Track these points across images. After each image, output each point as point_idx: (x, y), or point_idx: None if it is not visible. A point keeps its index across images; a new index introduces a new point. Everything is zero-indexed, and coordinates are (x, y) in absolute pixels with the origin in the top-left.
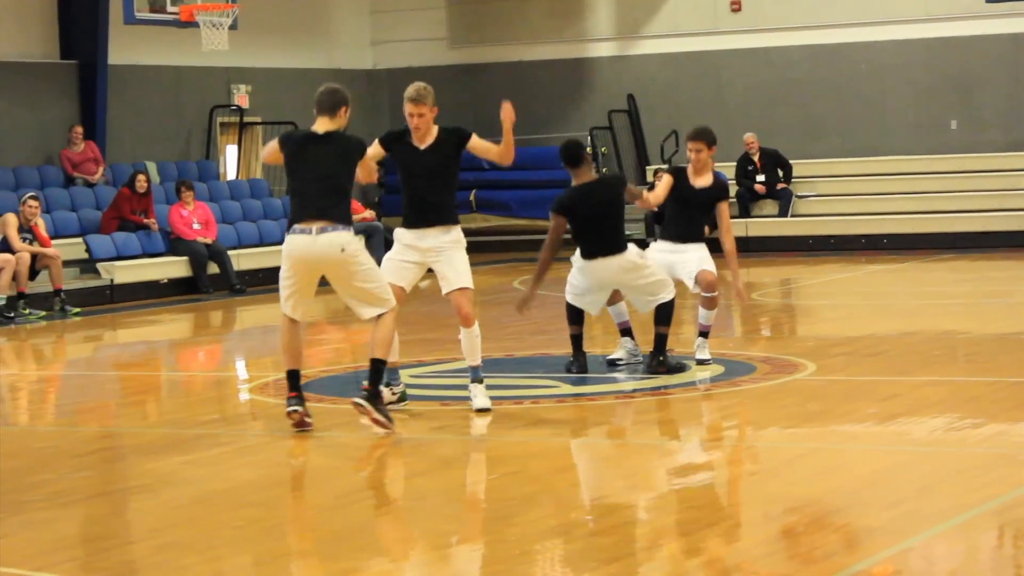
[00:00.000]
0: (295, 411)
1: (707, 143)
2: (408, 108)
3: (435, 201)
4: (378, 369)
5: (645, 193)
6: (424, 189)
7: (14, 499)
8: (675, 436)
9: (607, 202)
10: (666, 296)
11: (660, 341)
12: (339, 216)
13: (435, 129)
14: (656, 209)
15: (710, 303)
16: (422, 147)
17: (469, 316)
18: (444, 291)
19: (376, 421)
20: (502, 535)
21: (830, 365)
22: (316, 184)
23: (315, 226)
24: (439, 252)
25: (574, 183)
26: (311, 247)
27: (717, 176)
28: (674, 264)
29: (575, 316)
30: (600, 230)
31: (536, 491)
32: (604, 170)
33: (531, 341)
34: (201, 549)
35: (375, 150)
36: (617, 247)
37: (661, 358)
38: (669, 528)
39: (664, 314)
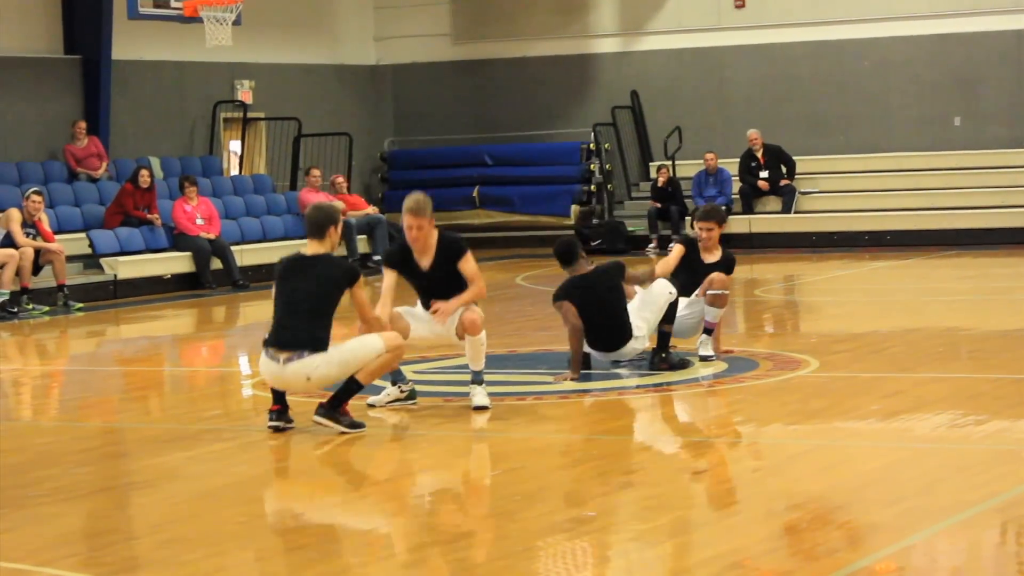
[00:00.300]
0: (274, 427)
1: (718, 223)
2: (407, 220)
3: (448, 296)
4: (350, 389)
5: (646, 280)
6: (435, 293)
7: (17, 494)
8: (678, 432)
9: (607, 288)
10: (668, 299)
11: (663, 338)
12: (310, 342)
13: (433, 241)
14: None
15: (718, 300)
16: (425, 268)
17: (475, 323)
18: (455, 325)
19: (344, 433)
20: (504, 531)
21: (833, 362)
22: (289, 310)
23: (283, 356)
24: (452, 323)
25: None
26: (279, 374)
27: (725, 252)
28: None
29: None
30: (603, 318)
31: (538, 487)
32: (597, 265)
33: (533, 337)
34: (204, 544)
35: (391, 279)
36: (623, 339)
37: (664, 355)
38: (671, 524)
39: (668, 313)
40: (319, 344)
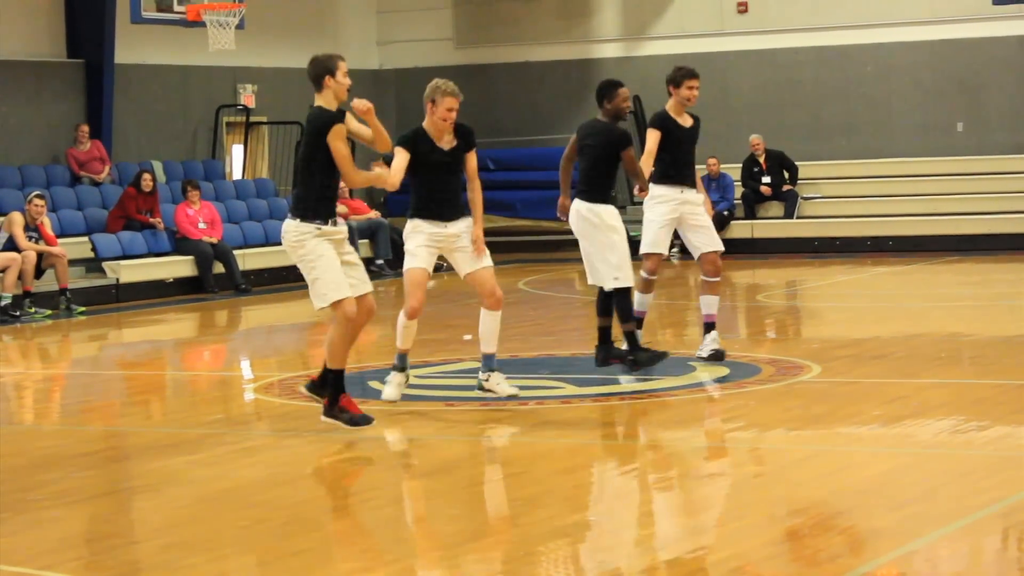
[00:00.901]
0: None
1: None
2: (450, 103)
3: (455, 192)
4: (332, 382)
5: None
6: (447, 183)
7: (19, 498)
8: (680, 438)
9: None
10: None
11: (629, 338)
12: (293, 203)
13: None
14: None
15: (714, 288)
16: (445, 147)
17: (500, 298)
18: (469, 270)
19: (350, 428)
20: (507, 536)
21: (835, 367)
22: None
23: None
24: (460, 238)
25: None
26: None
27: (692, 115)
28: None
29: (605, 308)
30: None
31: (541, 492)
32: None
33: (536, 342)
34: (206, 549)
35: (402, 159)
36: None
37: (633, 355)
38: (673, 529)
39: (623, 310)
40: (298, 205)
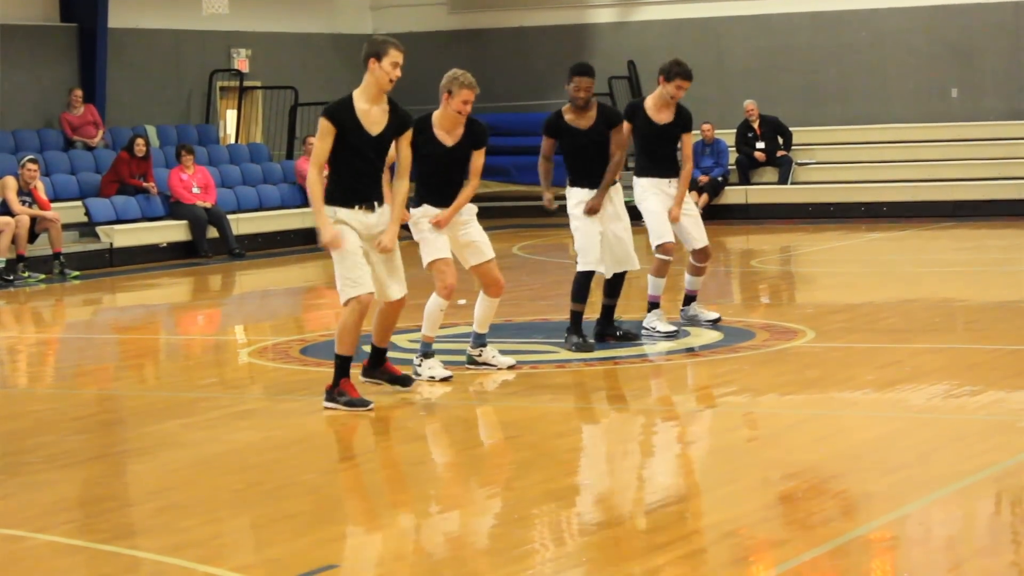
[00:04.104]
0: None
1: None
2: (467, 95)
3: (460, 181)
4: (338, 365)
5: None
6: (453, 172)
7: (13, 461)
8: (673, 402)
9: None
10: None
11: (606, 311)
12: None
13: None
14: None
15: (702, 271)
16: (449, 143)
17: (503, 286)
18: (475, 261)
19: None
20: (499, 499)
21: (829, 332)
22: None
23: None
24: (467, 224)
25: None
26: None
27: (680, 107)
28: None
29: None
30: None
31: (534, 456)
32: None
33: (529, 307)
34: (200, 512)
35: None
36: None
37: (611, 330)
38: (667, 493)
39: (611, 286)
40: (329, 194)
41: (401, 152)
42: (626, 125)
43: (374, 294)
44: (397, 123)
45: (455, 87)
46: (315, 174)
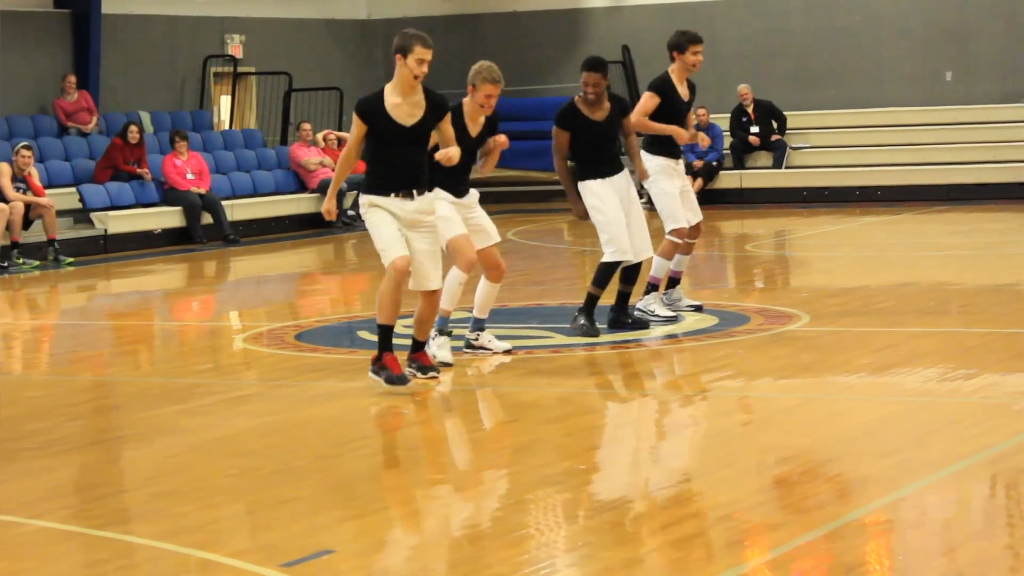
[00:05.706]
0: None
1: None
2: (489, 90)
3: (470, 169)
4: (380, 335)
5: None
6: (470, 160)
7: (9, 447)
8: (669, 386)
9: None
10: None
11: (622, 298)
12: None
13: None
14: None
15: (690, 248)
16: (473, 133)
17: (504, 271)
18: (481, 245)
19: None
20: (496, 484)
21: (824, 316)
22: None
23: None
24: (472, 208)
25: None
26: None
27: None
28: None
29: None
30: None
31: (531, 440)
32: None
33: (524, 292)
34: (195, 497)
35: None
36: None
37: (623, 317)
38: (661, 477)
39: (627, 273)
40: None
41: (444, 133)
42: (656, 99)
43: (407, 256)
44: (434, 111)
45: (478, 81)
46: (343, 157)
